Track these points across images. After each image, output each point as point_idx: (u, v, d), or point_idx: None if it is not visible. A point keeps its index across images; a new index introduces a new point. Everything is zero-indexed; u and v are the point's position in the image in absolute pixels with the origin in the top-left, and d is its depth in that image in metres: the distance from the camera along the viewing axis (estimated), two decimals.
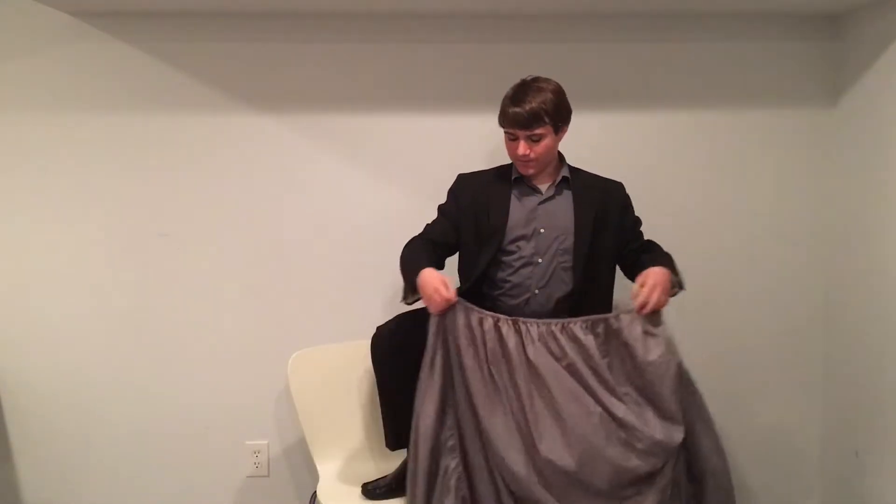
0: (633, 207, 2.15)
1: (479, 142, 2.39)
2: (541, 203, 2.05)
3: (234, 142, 2.41)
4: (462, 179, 2.15)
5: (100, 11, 2.33)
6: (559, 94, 1.98)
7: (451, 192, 2.15)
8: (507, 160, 2.15)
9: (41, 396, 2.44)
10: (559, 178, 2.06)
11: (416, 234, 2.12)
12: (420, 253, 2.01)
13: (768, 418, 2.55)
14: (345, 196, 2.45)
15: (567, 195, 2.06)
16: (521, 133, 1.96)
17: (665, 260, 2.01)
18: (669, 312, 2.48)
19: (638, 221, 2.16)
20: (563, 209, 2.04)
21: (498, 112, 2.03)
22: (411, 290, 1.94)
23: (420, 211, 2.31)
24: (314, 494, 2.17)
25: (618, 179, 2.14)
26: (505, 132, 2.01)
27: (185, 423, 2.47)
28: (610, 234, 2.05)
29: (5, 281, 2.41)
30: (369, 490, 2.04)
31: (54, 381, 2.44)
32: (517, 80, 2.02)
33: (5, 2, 2.32)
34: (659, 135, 2.47)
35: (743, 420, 2.55)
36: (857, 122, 2.37)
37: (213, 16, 2.36)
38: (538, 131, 1.95)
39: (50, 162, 2.39)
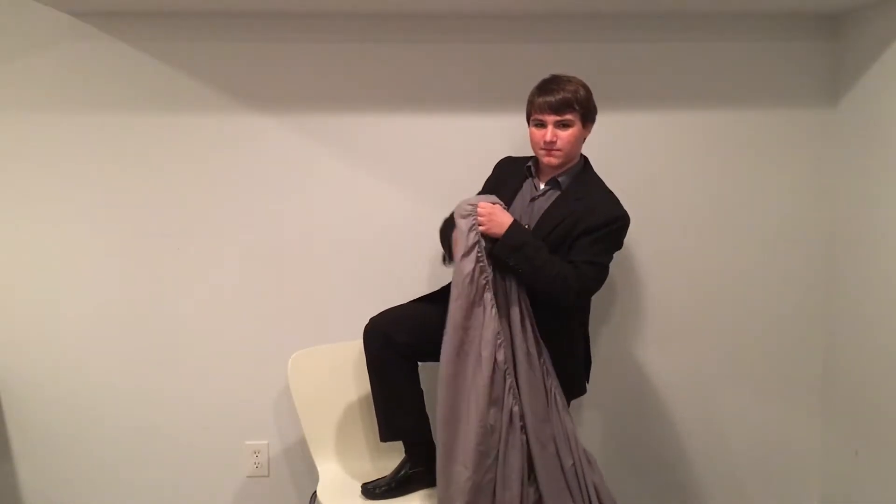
0: (601, 238, 1.93)
1: (480, 142, 2.39)
2: (532, 199, 2.05)
3: (234, 142, 2.41)
4: (502, 161, 2.19)
5: (100, 11, 2.32)
6: (588, 88, 2.00)
7: (493, 169, 2.20)
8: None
9: (41, 396, 2.44)
10: (552, 177, 2.03)
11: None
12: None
13: (768, 418, 2.55)
14: (345, 196, 2.45)
15: (550, 196, 2.03)
16: (550, 118, 1.95)
17: (536, 249, 1.89)
18: (670, 310, 2.51)
19: (589, 251, 1.92)
20: (543, 208, 2.02)
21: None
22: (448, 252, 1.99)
23: (420, 210, 2.31)
24: (314, 494, 2.17)
25: (624, 189, 2.05)
26: (532, 121, 2.00)
27: (184, 423, 2.47)
28: (565, 248, 1.94)
29: (5, 281, 2.41)
30: (369, 490, 2.04)
31: (54, 381, 2.44)
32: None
33: (5, 2, 2.32)
34: (658, 135, 2.46)
35: (743, 420, 2.55)
36: (857, 122, 2.37)
37: (213, 16, 2.36)
38: (568, 117, 1.95)
39: (49, 162, 2.39)
